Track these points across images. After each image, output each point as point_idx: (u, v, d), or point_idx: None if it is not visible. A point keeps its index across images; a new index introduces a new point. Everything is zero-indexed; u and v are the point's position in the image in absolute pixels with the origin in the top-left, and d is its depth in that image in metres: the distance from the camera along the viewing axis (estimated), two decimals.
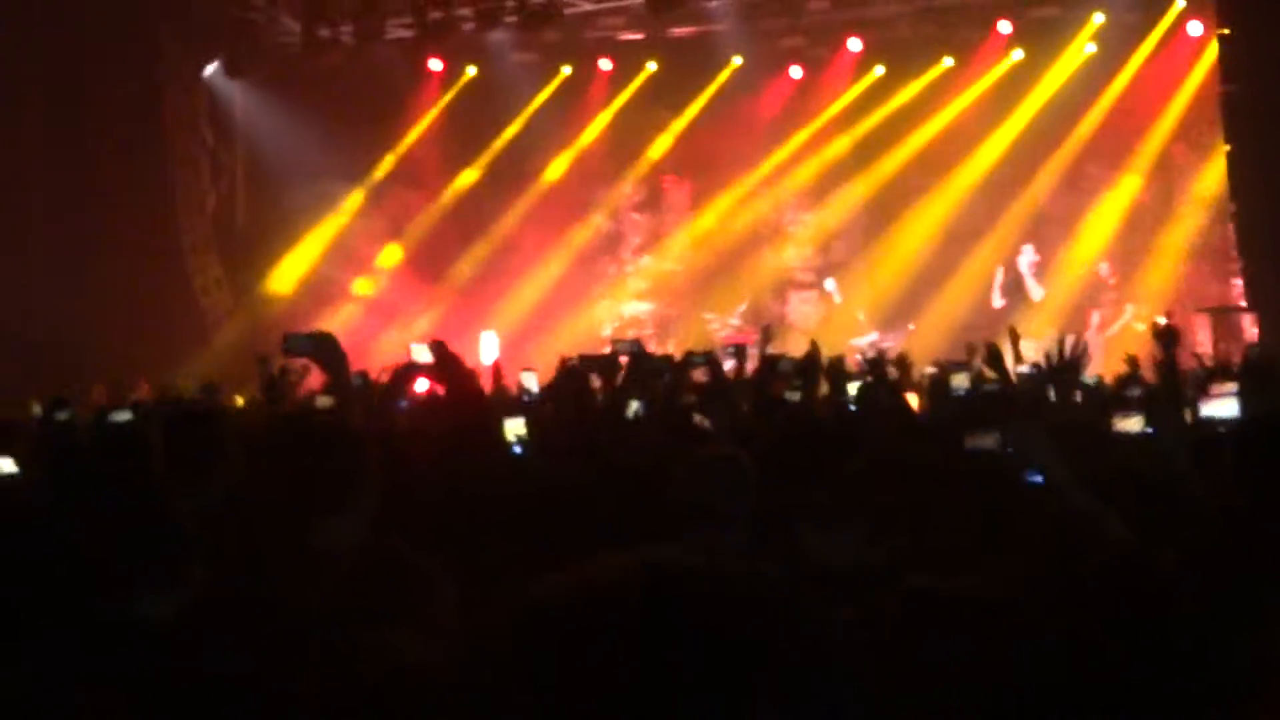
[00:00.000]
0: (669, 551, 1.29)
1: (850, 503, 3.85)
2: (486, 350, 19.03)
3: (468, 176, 21.62)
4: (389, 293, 21.30)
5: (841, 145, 20.96)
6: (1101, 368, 13.42)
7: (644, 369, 6.34)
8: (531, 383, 9.69)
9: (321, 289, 20.78)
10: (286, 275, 20.59)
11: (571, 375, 7.28)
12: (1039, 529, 3.69)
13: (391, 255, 21.56)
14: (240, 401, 12.40)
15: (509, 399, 8.53)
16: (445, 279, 21.28)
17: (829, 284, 21.31)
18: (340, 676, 2.58)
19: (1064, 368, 6.61)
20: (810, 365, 7.61)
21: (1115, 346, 16.75)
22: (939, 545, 3.77)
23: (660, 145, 21.48)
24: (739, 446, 4.62)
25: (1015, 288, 20.01)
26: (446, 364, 5.22)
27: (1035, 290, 19.97)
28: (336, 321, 19.32)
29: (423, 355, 6.09)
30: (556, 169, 21.71)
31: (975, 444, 4.17)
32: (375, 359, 14.66)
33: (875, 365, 8.00)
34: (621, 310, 22.34)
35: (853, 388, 7.79)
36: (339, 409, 4.86)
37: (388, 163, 21.28)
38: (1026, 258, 20.13)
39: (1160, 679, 2.54)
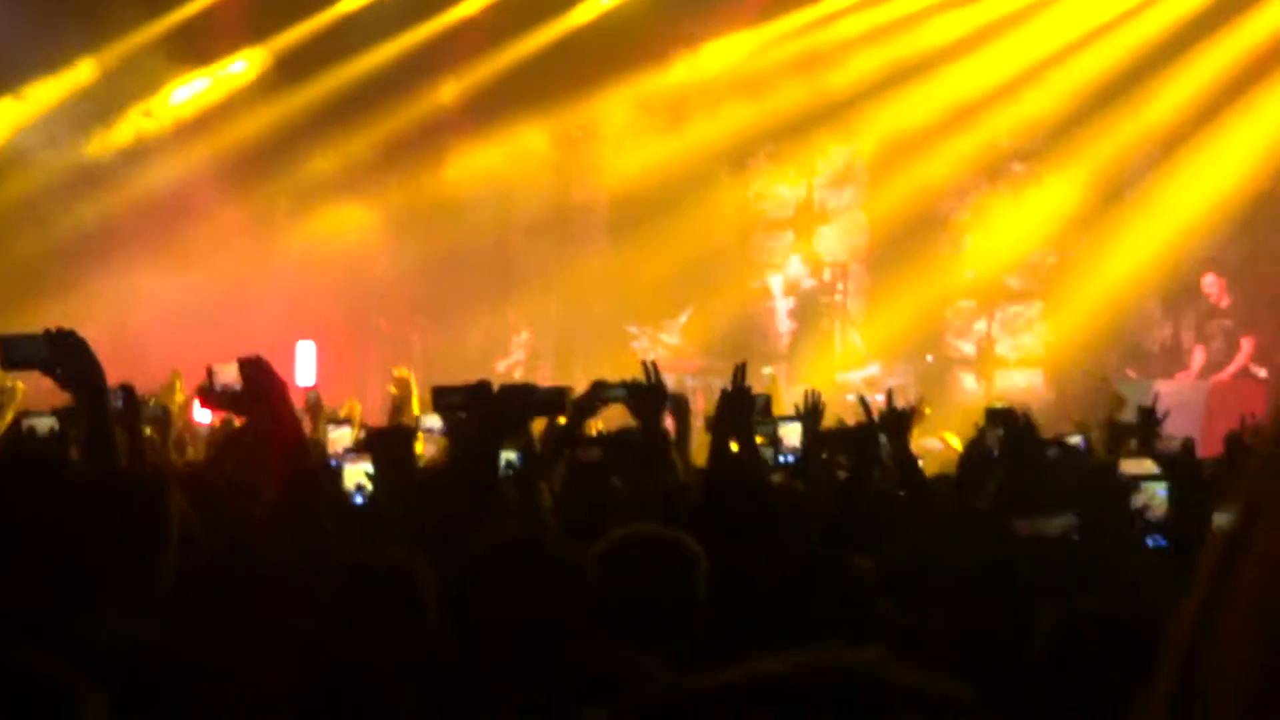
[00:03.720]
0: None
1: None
2: (302, 369, 19.00)
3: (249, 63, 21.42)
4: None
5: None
6: None
7: (523, 404, 6.43)
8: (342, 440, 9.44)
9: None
10: None
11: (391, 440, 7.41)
12: None
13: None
14: None
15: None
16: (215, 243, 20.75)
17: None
18: None
19: (895, 419, 7.48)
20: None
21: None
22: None
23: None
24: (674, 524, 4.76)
25: None
26: (264, 393, 5.25)
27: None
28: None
29: (227, 376, 6.08)
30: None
31: (1033, 530, 4.47)
32: (139, 366, 14.64)
33: (896, 419, 7.97)
34: (505, 315, 22.33)
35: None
36: (96, 447, 4.88)
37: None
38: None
39: None
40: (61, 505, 3.96)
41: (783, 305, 22.04)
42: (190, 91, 21.08)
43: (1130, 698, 2.67)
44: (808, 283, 21.72)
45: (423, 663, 4.27)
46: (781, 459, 7.83)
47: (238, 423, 8.68)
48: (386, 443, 7.58)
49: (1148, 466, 7.90)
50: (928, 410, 11.56)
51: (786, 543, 5.40)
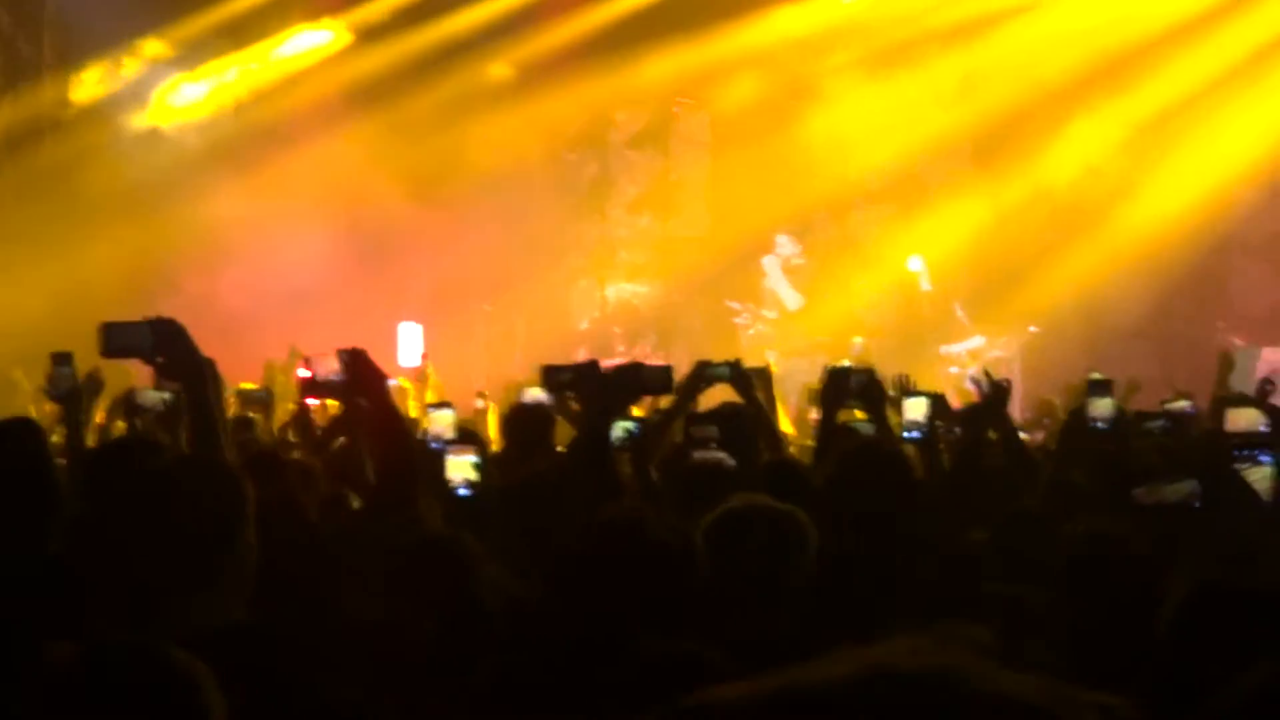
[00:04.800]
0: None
1: None
2: (406, 351, 19.06)
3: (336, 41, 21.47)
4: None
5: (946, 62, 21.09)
6: None
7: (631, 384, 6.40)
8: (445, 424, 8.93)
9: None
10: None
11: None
12: None
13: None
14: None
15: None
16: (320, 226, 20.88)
17: (914, 263, 21.37)
18: None
19: (987, 407, 7.65)
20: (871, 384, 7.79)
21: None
22: None
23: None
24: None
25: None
26: (367, 383, 5.35)
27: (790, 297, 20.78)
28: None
29: (326, 366, 6.16)
30: (501, 68, 21.57)
31: (1156, 498, 4.50)
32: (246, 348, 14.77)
33: (996, 392, 7.98)
34: (607, 294, 22.37)
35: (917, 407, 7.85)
36: (199, 440, 4.89)
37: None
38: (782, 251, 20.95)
39: None
40: (140, 494, 3.99)
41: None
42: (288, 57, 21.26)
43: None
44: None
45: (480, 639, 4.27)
46: (907, 434, 7.79)
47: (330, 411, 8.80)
48: (524, 421, 7.77)
49: (1254, 418, 7.83)
50: None
51: (914, 518, 5.37)
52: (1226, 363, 12.66)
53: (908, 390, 8.26)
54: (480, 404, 14.21)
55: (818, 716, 1.34)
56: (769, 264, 21.35)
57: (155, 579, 3.76)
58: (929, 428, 7.82)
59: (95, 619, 3.56)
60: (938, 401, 8.11)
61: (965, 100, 21.30)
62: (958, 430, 7.99)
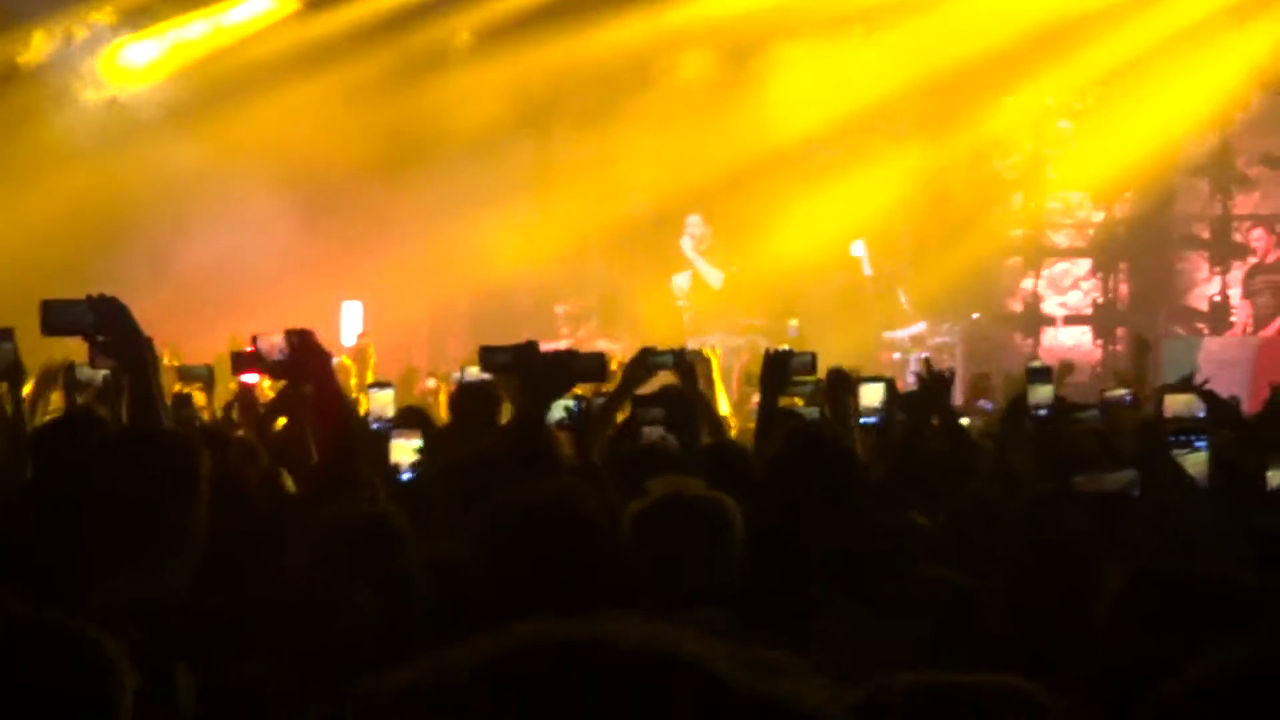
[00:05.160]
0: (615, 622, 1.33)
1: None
2: (348, 330, 19.00)
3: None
4: None
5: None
6: None
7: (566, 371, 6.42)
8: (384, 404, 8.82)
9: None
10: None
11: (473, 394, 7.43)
12: None
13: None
14: None
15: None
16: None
17: (857, 247, 21.39)
18: None
19: (937, 381, 7.91)
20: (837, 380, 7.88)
21: None
22: None
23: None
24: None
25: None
26: (312, 364, 5.38)
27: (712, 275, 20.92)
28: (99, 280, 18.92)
29: (272, 344, 6.17)
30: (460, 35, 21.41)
31: (1095, 486, 4.58)
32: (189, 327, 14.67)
33: (936, 381, 8.08)
34: (551, 275, 22.33)
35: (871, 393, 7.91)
36: (140, 417, 4.88)
37: None
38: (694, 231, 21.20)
39: None
40: (94, 465, 3.99)
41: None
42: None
43: (1196, 656, 2.62)
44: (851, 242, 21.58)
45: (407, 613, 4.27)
46: (864, 420, 7.86)
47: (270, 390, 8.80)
48: (470, 399, 7.74)
49: (1191, 403, 7.98)
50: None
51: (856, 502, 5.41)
52: (1144, 348, 12.81)
53: (862, 377, 8.33)
54: (432, 383, 14.20)
55: (461, 698, 1.31)
56: (685, 245, 21.32)
57: (103, 553, 3.76)
58: (885, 413, 7.87)
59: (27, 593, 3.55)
60: (890, 387, 8.18)
61: (904, 70, 21.17)
62: (902, 417, 8.06)
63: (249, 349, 6.99)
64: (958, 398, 12.12)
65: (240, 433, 8.07)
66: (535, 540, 4.28)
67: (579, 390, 7.07)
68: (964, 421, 9.19)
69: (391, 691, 1.33)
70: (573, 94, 22.26)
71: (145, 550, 3.78)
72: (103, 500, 3.88)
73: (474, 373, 9.40)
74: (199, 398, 9.77)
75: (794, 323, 19.26)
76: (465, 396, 8.50)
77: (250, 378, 8.55)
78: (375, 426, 7.51)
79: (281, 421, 7.94)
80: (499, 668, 1.32)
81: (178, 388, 9.35)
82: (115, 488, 3.88)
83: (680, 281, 21.51)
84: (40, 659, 2.85)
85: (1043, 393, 8.58)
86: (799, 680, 1.32)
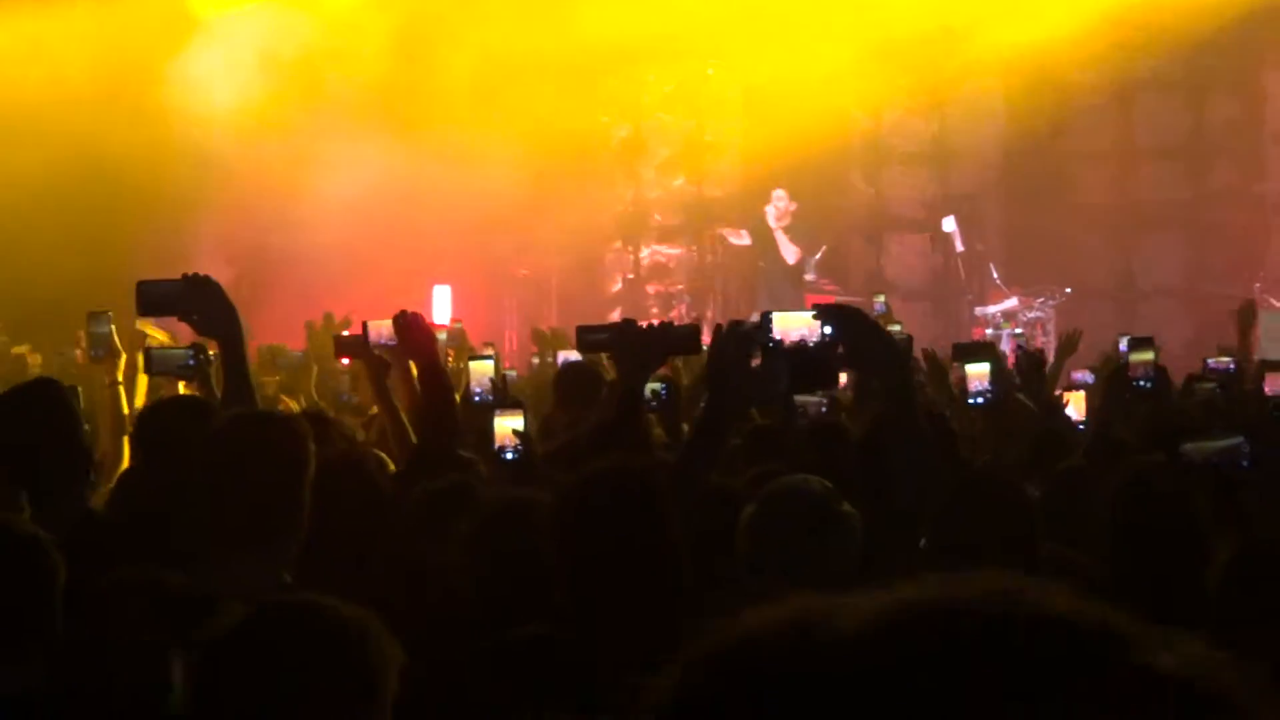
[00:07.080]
0: None
1: None
2: (439, 315, 19.02)
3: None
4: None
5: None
6: None
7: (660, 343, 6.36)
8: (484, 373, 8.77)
9: None
10: None
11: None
12: None
13: None
14: None
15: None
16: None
17: (948, 223, 21.29)
18: None
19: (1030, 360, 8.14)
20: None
21: None
22: None
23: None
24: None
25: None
26: (418, 346, 5.46)
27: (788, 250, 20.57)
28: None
29: (382, 332, 6.25)
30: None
31: (1206, 454, 4.63)
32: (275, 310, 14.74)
33: (1030, 361, 8.10)
34: (641, 257, 22.37)
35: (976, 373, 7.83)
36: (233, 397, 4.90)
37: None
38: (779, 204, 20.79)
39: None
40: (212, 450, 4.03)
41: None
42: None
43: None
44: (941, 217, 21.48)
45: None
46: (972, 400, 7.82)
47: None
48: (575, 380, 7.86)
49: None
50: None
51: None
52: (1248, 316, 12.49)
53: (964, 350, 8.36)
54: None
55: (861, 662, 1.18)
56: (769, 214, 21.08)
57: (226, 534, 3.80)
58: (993, 392, 7.81)
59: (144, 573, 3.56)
60: (997, 365, 8.16)
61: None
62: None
63: (345, 334, 7.05)
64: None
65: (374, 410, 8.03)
66: (597, 515, 4.12)
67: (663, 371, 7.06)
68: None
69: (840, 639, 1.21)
70: (662, 80, 22.29)
71: (262, 530, 3.82)
72: (224, 483, 3.91)
73: (566, 356, 9.42)
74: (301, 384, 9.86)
75: (881, 298, 19.08)
76: (570, 378, 8.48)
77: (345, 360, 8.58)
78: (477, 398, 7.48)
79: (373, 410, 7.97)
80: (913, 627, 1.19)
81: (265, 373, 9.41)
82: (235, 471, 3.91)
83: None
84: (306, 640, 2.88)
85: (1144, 360, 8.50)
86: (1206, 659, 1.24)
